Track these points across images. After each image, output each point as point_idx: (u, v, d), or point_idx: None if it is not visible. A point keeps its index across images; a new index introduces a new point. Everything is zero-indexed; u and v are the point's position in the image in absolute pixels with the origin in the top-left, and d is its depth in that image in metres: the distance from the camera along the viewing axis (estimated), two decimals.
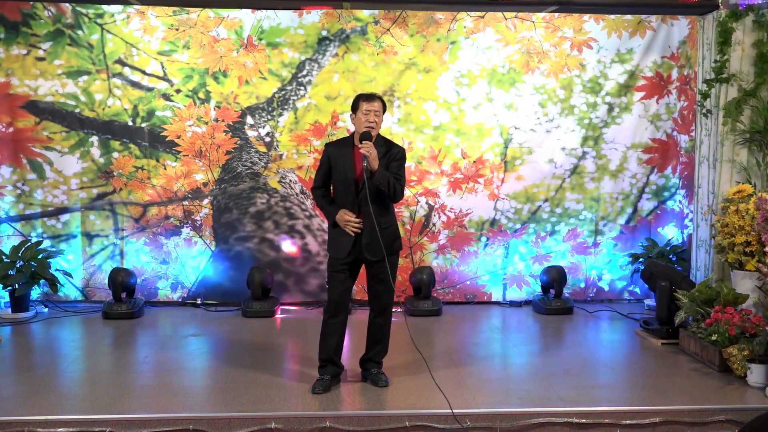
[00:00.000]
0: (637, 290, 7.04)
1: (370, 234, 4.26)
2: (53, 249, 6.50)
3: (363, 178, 4.23)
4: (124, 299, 6.35)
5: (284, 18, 6.59)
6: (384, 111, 4.40)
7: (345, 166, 4.35)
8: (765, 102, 5.48)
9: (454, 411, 3.99)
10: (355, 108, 4.37)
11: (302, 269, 6.77)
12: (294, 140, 6.73)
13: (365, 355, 4.58)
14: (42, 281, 6.28)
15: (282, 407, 4.07)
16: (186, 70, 6.62)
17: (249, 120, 6.71)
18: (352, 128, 6.69)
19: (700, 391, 4.42)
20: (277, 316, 6.39)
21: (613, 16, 6.69)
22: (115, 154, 6.65)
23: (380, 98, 4.38)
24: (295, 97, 6.71)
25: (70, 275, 6.55)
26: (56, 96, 6.54)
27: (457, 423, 3.92)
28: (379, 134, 4.41)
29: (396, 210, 6.71)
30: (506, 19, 6.67)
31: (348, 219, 4.30)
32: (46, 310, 6.45)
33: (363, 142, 4.23)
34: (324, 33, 6.64)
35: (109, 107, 6.59)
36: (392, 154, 4.36)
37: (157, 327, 6.05)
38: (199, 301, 6.76)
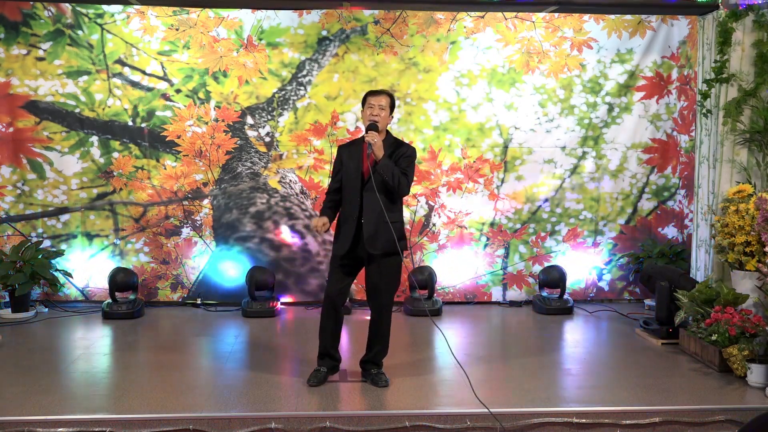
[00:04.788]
0: (637, 290, 7.04)
1: (374, 226, 4.27)
2: (53, 249, 6.50)
3: (370, 172, 4.27)
4: (124, 299, 6.35)
5: (284, 18, 6.59)
6: (392, 107, 4.44)
7: (354, 162, 4.40)
8: (765, 102, 5.48)
9: (453, 411, 4.01)
10: (363, 103, 4.43)
11: (302, 269, 6.77)
12: (294, 140, 6.73)
13: (365, 356, 4.57)
14: (42, 281, 6.28)
15: (282, 407, 4.07)
16: (186, 70, 6.61)
17: (249, 120, 6.71)
18: (352, 128, 6.75)
19: (700, 391, 4.42)
20: (277, 316, 6.40)
21: (613, 16, 6.69)
22: (115, 154, 6.65)
23: (388, 93, 4.43)
24: (295, 97, 6.71)
25: (70, 275, 6.55)
26: (56, 96, 6.53)
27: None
28: (389, 134, 4.44)
29: None
30: (506, 19, 6.68)
31: (314, 224, 4.36)
32: (46, 310, 6.45)
33: (368, 132, 4.28)
34: (324, 33, 6.64)
35: (109, 107, 6.59)
36: (401, 152, 4.38)
37: (157, 327, 6.05)
38: (199, 301, 6.76)
